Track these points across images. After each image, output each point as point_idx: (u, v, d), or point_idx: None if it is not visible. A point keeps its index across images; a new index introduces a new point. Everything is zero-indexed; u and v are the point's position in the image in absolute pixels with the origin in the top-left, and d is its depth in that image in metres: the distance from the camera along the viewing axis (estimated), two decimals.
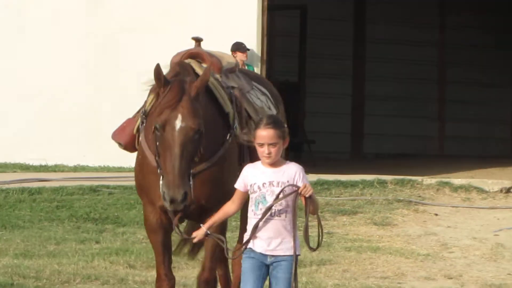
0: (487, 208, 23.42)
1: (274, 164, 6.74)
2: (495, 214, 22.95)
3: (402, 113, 40.97)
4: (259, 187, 6.70)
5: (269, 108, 9.56)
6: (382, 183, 25.33)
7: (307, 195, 6.42)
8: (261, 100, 9.50)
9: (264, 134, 6.69)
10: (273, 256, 6.66)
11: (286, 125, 7.32)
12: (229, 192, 7.47)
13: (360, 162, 37.58)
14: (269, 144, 6.57)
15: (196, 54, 8.75)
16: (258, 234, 6.69)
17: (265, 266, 6.74)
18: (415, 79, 42.48)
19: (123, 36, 32.50)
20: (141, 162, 8.81)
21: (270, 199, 6.52)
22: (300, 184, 6.55)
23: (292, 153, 32.34)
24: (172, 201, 7.25)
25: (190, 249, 10.80)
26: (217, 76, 8.43)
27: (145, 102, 8.83)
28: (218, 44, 27.24)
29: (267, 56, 30.51)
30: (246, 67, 26.22)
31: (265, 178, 6.67)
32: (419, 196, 23.97)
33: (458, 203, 24.07)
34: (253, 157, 7.89)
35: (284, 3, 38.90)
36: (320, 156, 36.23)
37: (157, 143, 7.66)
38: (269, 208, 6.55)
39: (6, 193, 22.54)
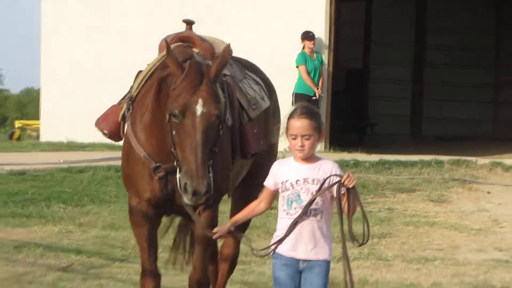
0: None
1: (308, 159, 6.45)
2: None
3: (459, 98, 40.23)
4: (292, 185, 6.40)
5: (262, 99, 8.87)
6: (439, 163, 25.29)
7: (350, 186, 6.16)
8: (254, 89, 8.82)
9: (298, 125, 6.37)
10: (306, 260, 6.41)
11: (320, 117, 6.81)
12: (222, 189, 7.58)
13: (419, 143, 36.28)
14: (303, 136, 6.29)
15: (187, 38, 8.05)
16: (291, 237, 6.39)
17: (298, 274, 6.48)
18: (472, 65, 41.16)
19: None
20: (127, 151, 8.17)
21: (305, 198, 6.27)
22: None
23: (356, 135, 36.45)
24: (194, 193, 6.76)
25: (189, 248, 10.09)
26: (209, 62, 7.50)
27: (131, 87, 8.30)
28: (288, 33, 30.12)
29: (334, 43, 29.93)
30: (314, 55, 28.13)
31: (298, 175, 6.37)
32: (473, 176, 23.92)
33: (509, 182, 23.97)
34: (244, 151, 8.00)
35: None
36: (382, 138, 36.85)
37: (173, 132, 7.09)
38: (310, 203, 6.26)
39: (94, 171, 22.97)
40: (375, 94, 38.09)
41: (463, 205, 20.40)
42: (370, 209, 18.96)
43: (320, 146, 26.10)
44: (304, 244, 6.30)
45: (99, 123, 8.81)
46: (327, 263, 6.42)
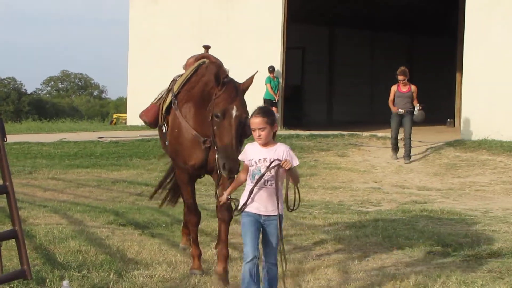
0: None
1: (267, 144, 7.66)
2: None
3: (355, 96, 41.43)
4: (255, 162, 7.68)
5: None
6: (342, 135, 28.49)
7: (287, 168, 7.40)
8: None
9: (254, 121, 7.68)
10: (265, 215, 7.63)
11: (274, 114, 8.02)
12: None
13: (332, 125, 36.21)
14: (259, 129, 7.59)
15: (206, 57, 9.34)
16: (254, 198, 7.66)
17: (259, 223, 7.66)
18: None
19: None
20: (178, 132, 9.58)
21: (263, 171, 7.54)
22: (289, 159, 7.51)
23: (296, 121, 37.33)
24: (230, 170, 8.28)
25: (170, 199, 12.02)
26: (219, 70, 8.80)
27: (171, 89, 9.97)
28: (259, 67, 26.70)
29: (285, 73, 32.63)
30: (275, 78, 32.27)
31: (260, 155, 7.61)
32: (361, 142, 26.80)
33: (380, 146, 26.47)
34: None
35: None
36: (311, 122, 37.63)
37: (215, 127, 8.45)
38: (261, 176, 7.55)
39: (156, 140, 24.52)
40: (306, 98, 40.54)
41: (355, 158, 24.11)
42: (305, 160, 22.77)
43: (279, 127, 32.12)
44: (264, 204, 7.60)
45: (142, 115, 10.77)
46: (279, 216, 7.56)
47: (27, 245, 8.01)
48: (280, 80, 32.07)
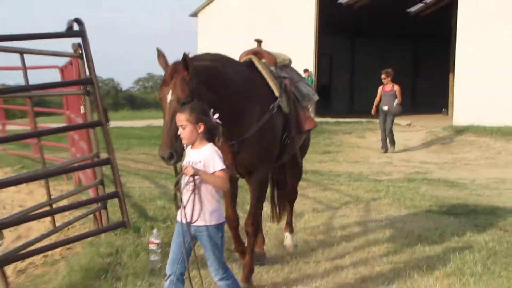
0: None
1: (196, 145, 5.68)
2: None
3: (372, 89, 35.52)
4: (185, 165, 5.69)
5: (314, 94, 7.84)
6: (361, 122, 27.46)
7: (187, 174, 5.50)
8: (307, 89, 7.74)
9: (177, 117, 5.67)
10: (195, 226, 5.67)
11: (206, 115, 5.66)
12: (266, 158, 6.84)
13: (353, 114, 34.15)
14: (181, 126, 5.60)
15: (257, 52, 7.43)
16: (182, 206, 5.70)
17: (188, 234, 5.67)
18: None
19: None
20: None
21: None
22: (209, 163, 5.58)
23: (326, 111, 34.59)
24: (161, 158, 6.09)
25: None
26: (272, 68, 7.19)
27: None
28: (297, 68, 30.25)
29: (317, 73, 32.05)
30: (309, 77, 30.42)
31: (189, 158, 5.71)
32: (375, 127, 24.35)
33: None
34: (299, 128, 7.35)
35: None
36: (337, 111, 34.90)
37: None
38: (176, 182, 5.73)
39: None
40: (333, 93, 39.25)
41: (371, 139, 23.41)
42: (332, 141, 22.82)
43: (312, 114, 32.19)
44: (189, 212, 5.62)
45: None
46: (209, 227, 5.68)
47: (126, 203, 8.32)
48: (313, 79, 31.42)
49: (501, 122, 23.52)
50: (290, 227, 8.58)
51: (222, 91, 6.30)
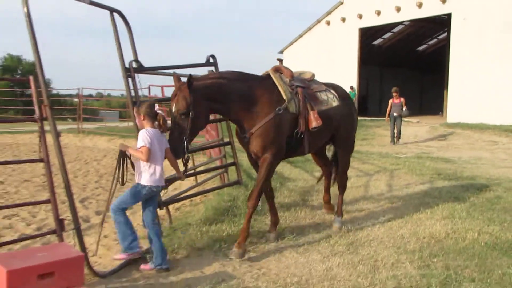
0: None
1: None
2: None
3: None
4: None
5: (333, 101, 6.50)
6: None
7: (121, 149, 5.33)
8: (328, 96, 6.47)
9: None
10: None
11: (149, 108, 5.27)
12: (271, 149, 5.76)
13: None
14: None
15: (278, 68, 6.30)
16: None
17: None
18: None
19: None
20: None
21: None
22: (138, 141, 5.21)
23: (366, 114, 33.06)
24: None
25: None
26: (287, 79, 6.12)
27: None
28: (344, 85, 27.43)
29: (358, 88, 30.41)
30: (353, 91, 29.45)
31: None
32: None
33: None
34: (308, 126, 6.05)
35: None
36: (371, 114, 34.10)
37: None
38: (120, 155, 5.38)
39: None
40: (369, 102, 38.26)
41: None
42: (368, 131, 21.93)
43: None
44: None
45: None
46: (138, 184, 5.26)
47: (239, 169, 8.32)
48: (356, 92, 30.89)
49: (478, 121, 23.44)
50: (339, 210, 7.05)
51: (226, 100, 5.63)
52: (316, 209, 7.74)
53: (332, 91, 6.70)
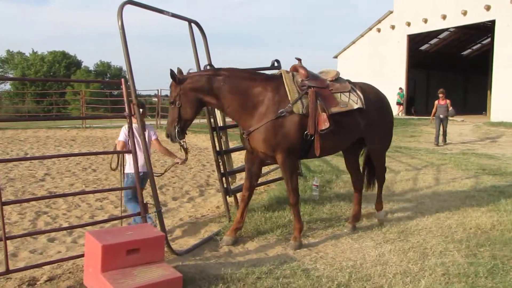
0: None
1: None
2: None
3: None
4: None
5: (355, 102, 5.51)
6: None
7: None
8: (351, 98, 5.53)
9: None
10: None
11: (140, 107, 5.33)
12: (277, 144, 5.13)
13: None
14: None
15: (295, 68, 5.51)
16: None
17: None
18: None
19: None
20: None
21: None
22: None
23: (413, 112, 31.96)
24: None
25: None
26: (299, 79, 5.35)
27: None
28: (395, 88, 28.60)
29: (407, 90, 30.39)
30: (402, 93, 29.74)
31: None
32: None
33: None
34: (317, 128, 5.20)
35: None
36: (418, 112, 32.26)
37: None
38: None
39: None
40: (416, 102, 36.39)
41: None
42: (416, 129, 21.17)
43: (401, 114, 29.41)
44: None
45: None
46: (126, 174, 5.68)
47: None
48: (404, 94, 30.30)
49: None
50: (378, 205, 6.36)
51: (217, 95, 5.13)
52: (369, 199, 7.53)
53: (358, 92, 5.69)
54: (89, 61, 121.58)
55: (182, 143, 5.19)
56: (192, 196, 8.58)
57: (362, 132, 5.76)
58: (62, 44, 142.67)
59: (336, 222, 6.32)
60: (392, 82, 30.22)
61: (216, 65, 6.11)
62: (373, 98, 5.86)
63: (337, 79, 5.70)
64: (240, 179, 8.62)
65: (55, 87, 37.37)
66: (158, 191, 8.32)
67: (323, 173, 9.59)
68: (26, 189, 8.95)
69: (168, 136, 5.16)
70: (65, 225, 6.46)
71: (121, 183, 5.69)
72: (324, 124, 5.17)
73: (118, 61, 77.80)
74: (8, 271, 4.11)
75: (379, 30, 32.24)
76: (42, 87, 43.99)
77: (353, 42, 34.28)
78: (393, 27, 31.13)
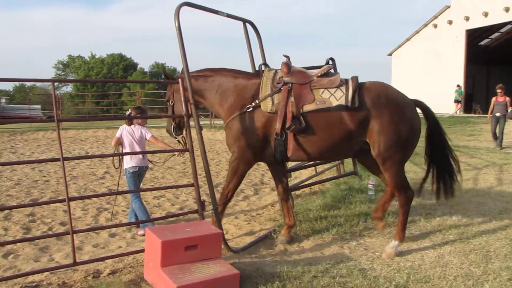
0: None
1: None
2: None
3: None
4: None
5: (337, 99, 4.81)
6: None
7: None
8: (334, 94, 4.83)
9: None
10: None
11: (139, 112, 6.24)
12: (236, 139, 5.05)
13: None
14: None
15: (285, 64, 5.06)
16: None
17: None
18: None
19: None
20: None
21: None
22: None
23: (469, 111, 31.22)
24: None
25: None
26: (280, 75, 5.07)
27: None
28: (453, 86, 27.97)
29: (465, 88, 29.55)
30: (459, 90, 28.61)
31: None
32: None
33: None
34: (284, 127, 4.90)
35: None
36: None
37: None
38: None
39: None
40: (474, 99, 34.85)
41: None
42: (475, 127, 20.31)
43: (459, 112, 28.54)
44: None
45: None
46: (125, 170, 6.19)
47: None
48: (463, 90, 29.33)
49: None
50: (398, 235, 5.16)
51: (201, 94, 5.32)
52: (427, 199, 7.33)
53: (350, 88, 4.88)
54: (145, 63, 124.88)
55: (180, 139, 5.58)
56: (247, 195, 8.62)
57: (362, 135, 4.93)
58: (118, 47, 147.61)
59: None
60: (449, 79, 29.37)
61: (271, 65, 6.13)
62: (378, 98, 4.89)
63: (327, 73, 5.19)
64: (295, 177, 8.66)
65: (113, 89, 38.61)
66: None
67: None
68: (88, 186, 9.29)
69: (167, 131, 5.61)
70: (125, 221, 6.67)
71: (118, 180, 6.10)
72: (289, 123, 4.84)
73: (172, 62, 79.54)
74: (75, 263, 4.31)
75: (435, 26, 31.54)
76: (102, 89, 45.56)
77: (408, 39, 33.71)
78: (450, 22, 30.36)
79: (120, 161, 6.29)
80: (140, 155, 6.09)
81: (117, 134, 6.19)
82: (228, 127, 5.12)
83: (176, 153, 6.03)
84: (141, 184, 6.39)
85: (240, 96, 5.10)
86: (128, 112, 6.30)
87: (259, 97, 5.01)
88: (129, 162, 6.10)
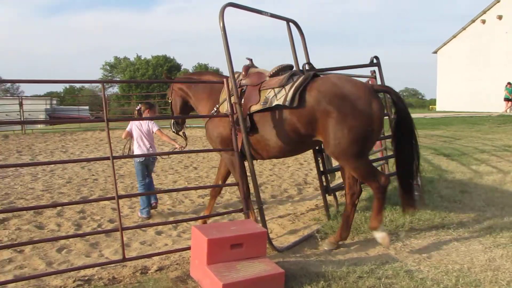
0: None
1: None
2: None
3: None
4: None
5: (277, 99, 4.82)
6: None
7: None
8: (277, 94, 4.85)
9: None
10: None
11: (148, 107, 7.05)
12: (212, 137, 5.52)
13: None
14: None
15: (244, 67, 5.41)
16: None
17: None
18: None
19: None
20: None
21: None
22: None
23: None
24: None
25: None
26: (240, 77, 5.36)
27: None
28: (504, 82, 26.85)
29: None
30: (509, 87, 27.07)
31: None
32: None
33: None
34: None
35: None
36: None
37: None
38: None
39: None
40: None
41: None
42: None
43: (509, 111, 27.39)
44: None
45: None
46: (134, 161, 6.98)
47: None
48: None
49: None
50: (372, 221, 5.02)
51: (187, 96, 6.07)
52: (475, 200, 7.10)
53: (294, 86, 4.80)
54: (188, 64, 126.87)
55: (180, 134, 6.31)
56: (291, 194, 8.59)
57: (312, 134, 4.83)
58: (162, 48, 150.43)
59: (440, 223, 6.02)
60: (498, 76, 28.42)
61: (315, 64, 6.12)
62: (324, 96, 4.66)
63: (279, 72, 5.19)
64: (339, 177, 8.51)
65: (157, 89, 39.09)
66: None
67: (425, 172, 9.15)
68: (134, 185, 9.40)
69: (171, 128, 6.29)
70: (171, 219, 6.78)
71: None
72: (231, 124, 5.05)
73: (215, 63, 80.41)
74: (124, 259, 4.43)
75: (483, 22, 30.69)
76: (146, 90, 46.31)
77: (454, 36, 32.96)
78: (500, 17, 29.47)
79: (130, 150, 6.95)
80: (147, 146, 6.81)
81: (127, 128, 6.91)
82: (206, 128, 5.65)
83: (176, 146, 6.71)
84: (185, 182, 6.57)
85: (209, 99, 5.68)
86: (138, 107, 7.06)
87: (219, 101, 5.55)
88: (136, 152, 6.74)
